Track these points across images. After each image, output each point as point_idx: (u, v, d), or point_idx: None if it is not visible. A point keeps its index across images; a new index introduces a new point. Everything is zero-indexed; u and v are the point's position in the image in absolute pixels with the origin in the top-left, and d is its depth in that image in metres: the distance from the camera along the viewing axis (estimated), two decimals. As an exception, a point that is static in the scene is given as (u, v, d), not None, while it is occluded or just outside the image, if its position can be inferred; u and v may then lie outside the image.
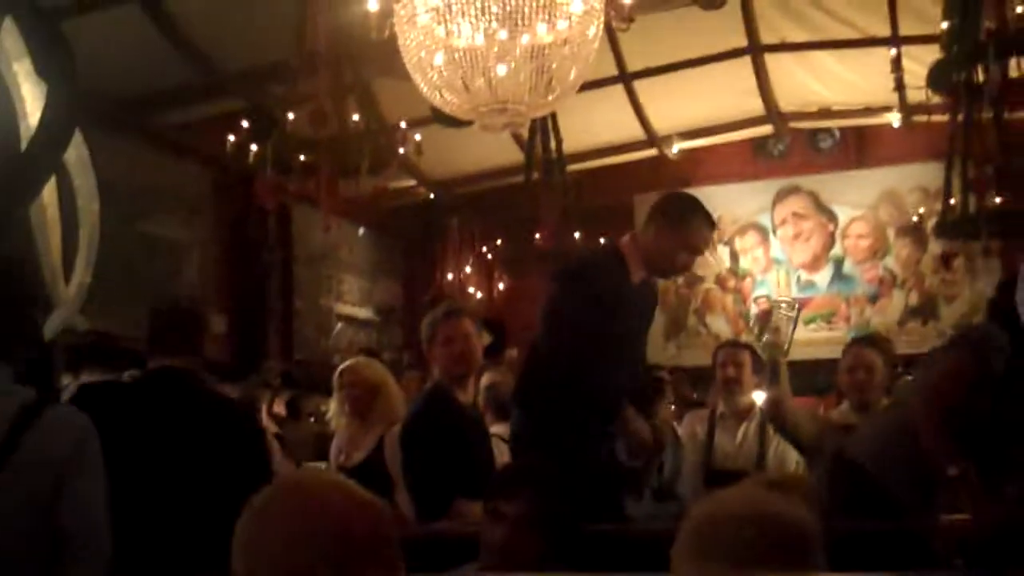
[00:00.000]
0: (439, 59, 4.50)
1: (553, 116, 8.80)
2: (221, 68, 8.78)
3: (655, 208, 4.33)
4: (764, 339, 4.41)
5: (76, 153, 5.36)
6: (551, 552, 2.98)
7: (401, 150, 7.53)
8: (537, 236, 9.93)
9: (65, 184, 5.30)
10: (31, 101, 5.09)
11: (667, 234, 4.21)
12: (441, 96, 4.64)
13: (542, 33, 4.42)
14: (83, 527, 2.54)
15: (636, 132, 11.89)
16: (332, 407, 5.39)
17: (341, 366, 5.41)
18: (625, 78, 10.63)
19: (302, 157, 6.94)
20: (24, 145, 5.05)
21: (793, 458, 5.06)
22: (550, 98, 4.71)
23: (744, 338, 12.09)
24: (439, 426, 4.12)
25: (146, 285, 9.48)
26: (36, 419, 2.53)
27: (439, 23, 4.40)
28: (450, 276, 12.81)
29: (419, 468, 4.15)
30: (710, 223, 4.36)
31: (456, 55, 4.48)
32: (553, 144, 9.44)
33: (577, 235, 10.11)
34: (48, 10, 5.48)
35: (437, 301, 8.17)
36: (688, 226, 4.22)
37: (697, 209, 4.30)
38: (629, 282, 4.24)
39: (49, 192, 5.24)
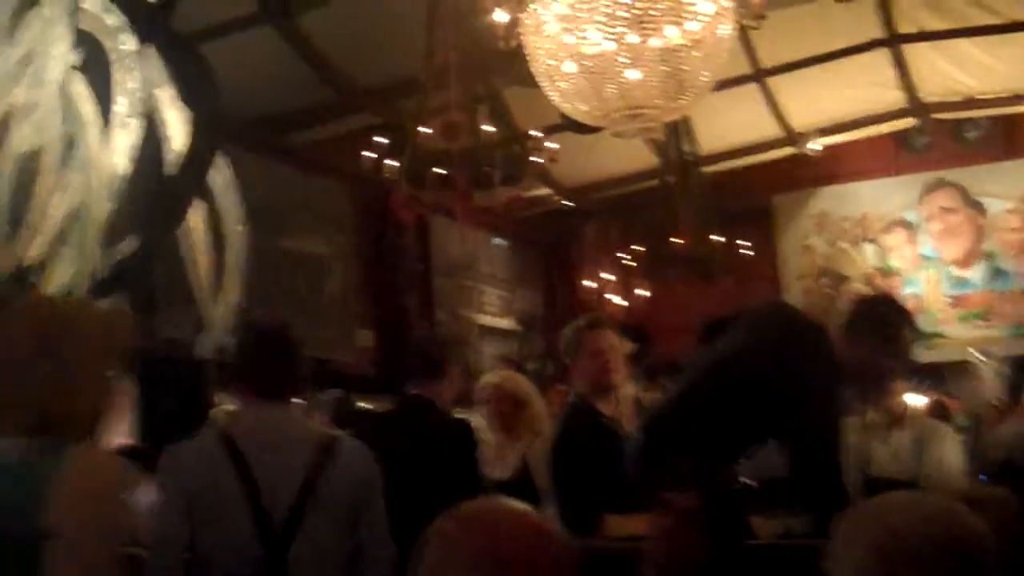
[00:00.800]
0: (569, 67, 4.48)
1: (687, 118, 8.68)
2: (355, 85, 8.92)
3: (859, 314, 3.96)
4: (965, 395, 4.23)
5: (220, 176, 5.49)
6: (715, 555, 2.94)
7: (535, 158, 7.52)
8: (675, 239, 9.82)
9: (211, 207, 5.44)
10: (174, 126, 5.24)
11: (873, 346, 3.80)
12: (572, 104, 4.62)
13: (672, 36, 4.37)
14: (378, 537, 3.08)
15: (773, 130, 11.64)
16: (476, 420, 5.38)
17: (484, 380, 5.40)
18: (760, 75, 10.42)
19: (436, 170, 6.98)
20: (169, 171, 5.20)
21: (955, 465, 4.85)
22: (683, 101, 4.66)
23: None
24: (584, 442, 4.08)
25: (290, 301, 9.69)
26: (338, 447, 3.07)
27: (567, 31, 4.38)
28: (589, 283, 12.76)
29: (566, 485, 4.12)
30: (917, 332, 4.05)
31: (585, 62, 4.45)
32: (688, 146, 9.33)
33: (715, 237, 9.96)
34: (188, 36, 5.64)
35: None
36: (897, 341, 3.84)
37: (907, 320, 3.95)
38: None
39: (195, 216, 5.38)
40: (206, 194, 5.40)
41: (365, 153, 7.22)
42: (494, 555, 1.47)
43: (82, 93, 5.17)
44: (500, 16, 4.80)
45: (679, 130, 9.10)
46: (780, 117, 11.35)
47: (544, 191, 11.55)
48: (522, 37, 4.50)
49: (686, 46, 4.46)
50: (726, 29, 4.47)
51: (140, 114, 5.06)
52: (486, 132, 7.09)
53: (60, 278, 5.26)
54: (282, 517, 2.91)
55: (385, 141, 7.24)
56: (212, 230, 5.44)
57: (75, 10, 4.90)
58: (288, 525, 2.91)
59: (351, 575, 3.02)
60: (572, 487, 4.09)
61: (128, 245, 5.28)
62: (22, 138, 5.24)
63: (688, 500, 2.98)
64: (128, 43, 5.03)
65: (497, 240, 12.55)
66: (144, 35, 5.09)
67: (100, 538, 2.24)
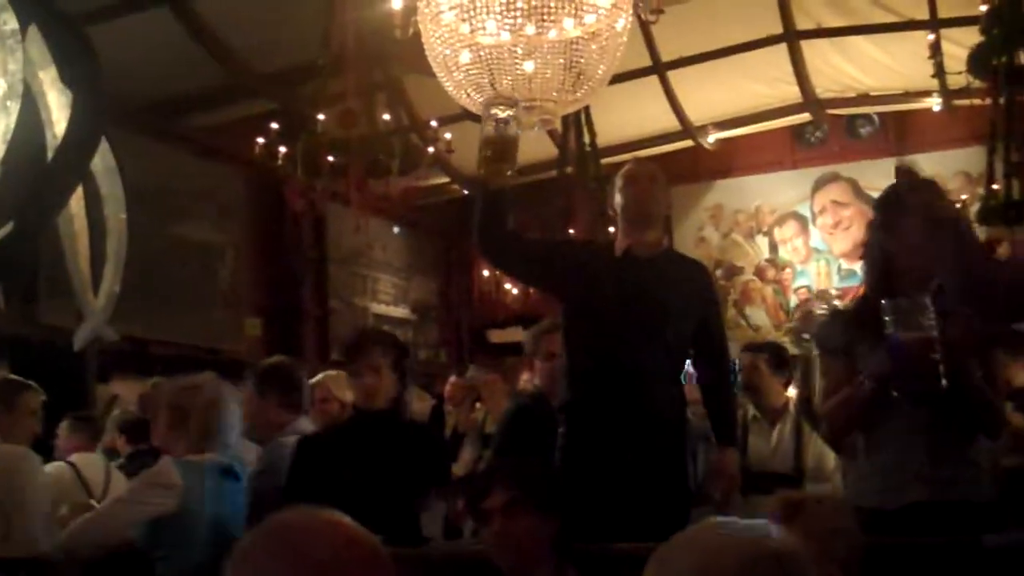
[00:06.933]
0: (465, 57, 4.41)
1: (586, 109, 8.67)
2: (251, 70, 8.73)
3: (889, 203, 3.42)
4: (802, 336, 4.31)
5: (102, 162, 5.30)
6: (554, 524, 2.96)
7: (431, 148, 7.43)
8: (571, 231, 9.81)
9: (92, 193, 5.25)
10: (57, 110, 5.03)
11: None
12: (468, 95, 4.56)
13: (569, 28, 4.33)
14: None
15: (672, 123, 11.72)
16: None
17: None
18: (659, 68, 10.48)
19: (332, 158, 6.85)
20: (50, 155, 5.00)
21: (832, 457, 4.88)
22: (579, 94, 4.62)
23: (785, 329, 11.95)
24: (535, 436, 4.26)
25: (179, 288, 9.47)
26: None
27: (464, 20, 4.31)
28: (487, 273, 12.71)
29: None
30: None
31: (482, 53, 4.39)
32: (587, 137, 9.32)
33: (612, 229, 9.97)
34: (73, 17, 5.43)
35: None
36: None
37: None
38: None
39: (76, 202, 5.19)
40: (88, 180, 5.21)
41: (259, 140, 7.07)
42: (299, 569, 1.39)
43: (-43, 74, 4.95)
44: (397, 3, 4.70)
45: (579, 121, 9.08)
46: (678, 110, 11.42)
47: (442, 179, 11.47)
48: (419, 25, 4.42)
49: (583, 38, 4.42)
50: (624, 22, 4.44)
51: (20, 96, 4.86)
52: (383, 121, 6.98)
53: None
54: None
55: (279, 127, 7.09)
56: (92, 218, 5.26)
57: (-51, -13, 4.68)
58: None
59: None
60: None
61: (5, 231, 5.08)
62: None
63: (498, 498, 2.97)
64: (10, 22, 4.81)
65: (395, 228, 12.44)
66: (26, 15, 4.89)
67: None
